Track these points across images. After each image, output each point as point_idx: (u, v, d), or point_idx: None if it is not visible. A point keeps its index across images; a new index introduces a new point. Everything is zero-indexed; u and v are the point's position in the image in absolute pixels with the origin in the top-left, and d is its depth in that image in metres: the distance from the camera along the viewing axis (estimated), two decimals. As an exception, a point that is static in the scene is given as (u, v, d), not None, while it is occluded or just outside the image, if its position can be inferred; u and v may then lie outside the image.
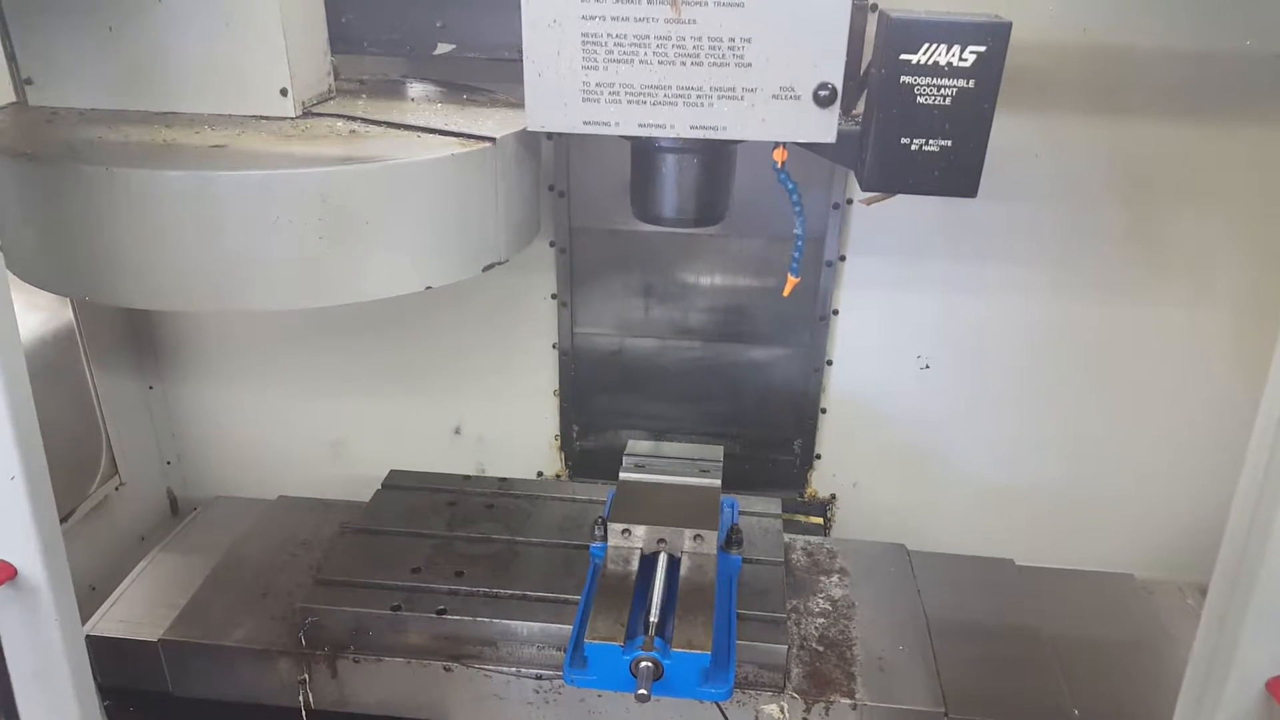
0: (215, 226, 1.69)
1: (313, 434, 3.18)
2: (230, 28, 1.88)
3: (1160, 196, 2.57)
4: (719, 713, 2.24)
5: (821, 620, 2.50)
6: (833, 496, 3.08)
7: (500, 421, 3.11)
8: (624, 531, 2.27)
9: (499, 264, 1.95)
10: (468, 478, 2.91)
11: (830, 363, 2.89)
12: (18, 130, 1.90)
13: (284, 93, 1.93)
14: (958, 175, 1.70)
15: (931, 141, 1.67)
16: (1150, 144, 2.51)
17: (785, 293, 1.86)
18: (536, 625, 2.32)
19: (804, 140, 1.70)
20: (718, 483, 2.48)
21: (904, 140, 1.67)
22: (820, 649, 2.41)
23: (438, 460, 3.05)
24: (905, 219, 2.64)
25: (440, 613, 2.35)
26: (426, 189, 1.79)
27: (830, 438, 3.01)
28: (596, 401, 3.05)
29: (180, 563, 2.76)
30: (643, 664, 1.97)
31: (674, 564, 2.24)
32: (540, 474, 3.15)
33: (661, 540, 2.26)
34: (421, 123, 1.93)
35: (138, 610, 2.57)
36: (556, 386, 3.02)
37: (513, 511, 2.74)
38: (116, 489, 2.99)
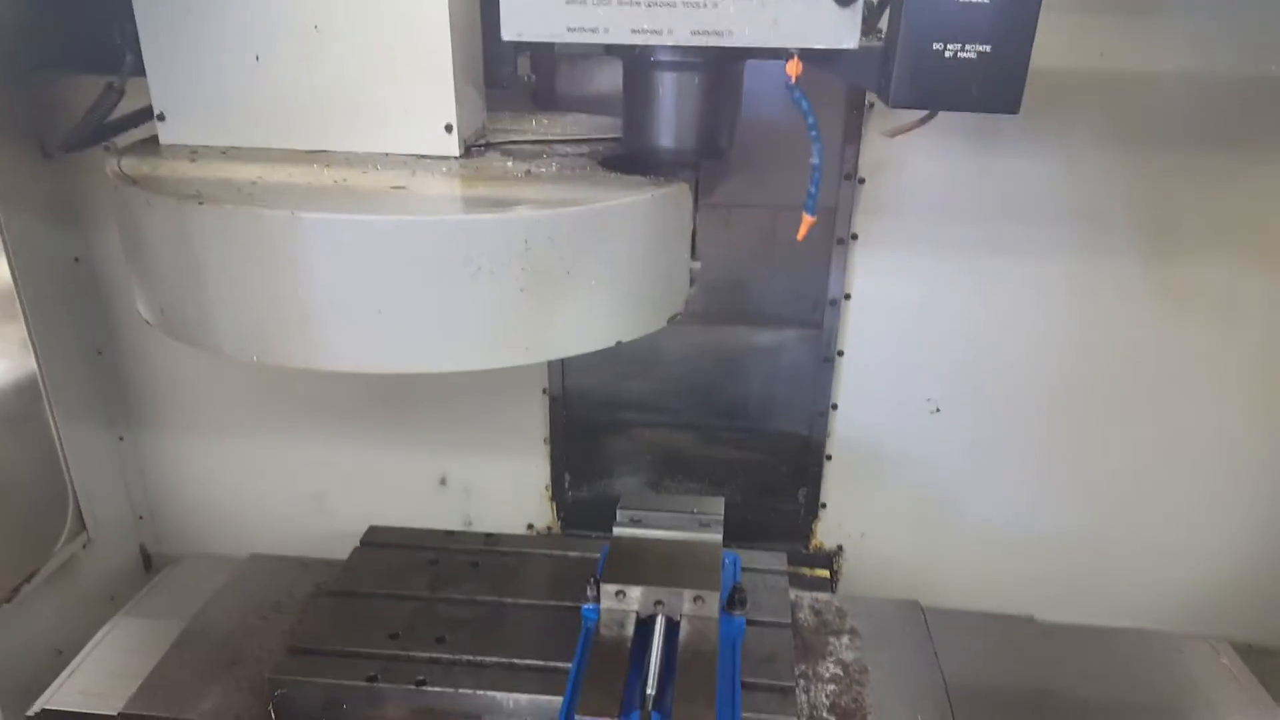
0: (411, 278, 1.42)
1: (292, 486, 2.86)
2: (394, 57, 1.60)
3: (1186, 227, 2.31)
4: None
5: (832, 687, 2.19)
6: (839, 548, 2.75)
7: (488, 471, 2.80)
8: (618, 593, 2.00)
9: (679, 315, 1.69)
10: (451, 533, 2.62)
11: (835, 406, 2.59)
12: (162, 170, 1.62)
13: (449, 129, 1.64)
14: (998, 87, 1.35)
15: (968, 47, 1.33)
16: (1175, 171, 2.25)
17: (800, 235, 1.51)
18: (524, 697, 2.06)
19: (822, 45, 1.37)
20: (719, 538, 2.19)
21: (936, 46, 1.34)
22: (832, 719, 2.10)
23: (423, 513, 2.75)
24: (912, 259, 2.41)
25: (419, 683, 2.07)
26: (628, 233, 1.53)
27: (836, 486, 2.69)
28: (589, 449, 2.75)
29: (147, 627, 2.46)
30: None
31: (673, 628, 1.98)
32: (531, 526, 2.82)
33: (659, 602, 1.99)
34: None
35: (98, 680, 2.29)
36: (547, 434, 2.71)
37: (499, 570, 2.46)
38: (84, 546, 2.65)
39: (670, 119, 1.54)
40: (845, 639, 2.33)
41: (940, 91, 1.37)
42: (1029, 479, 2.60)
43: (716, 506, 2.29)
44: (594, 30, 1.40)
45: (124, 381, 2.78)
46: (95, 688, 2.23)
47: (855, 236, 2.39)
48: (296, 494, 2.85)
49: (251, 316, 1.50)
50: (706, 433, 2.70)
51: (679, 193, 1.58)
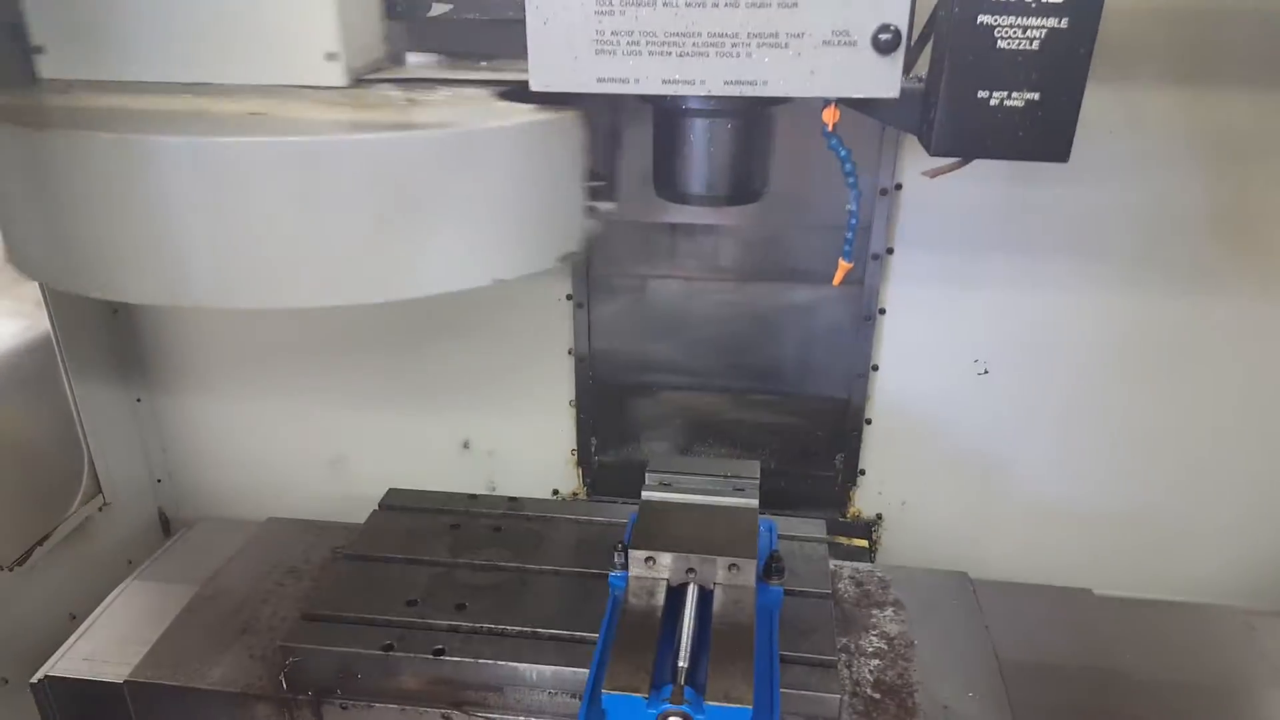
0: (250, 207, 1.41)
1: (312, 449, 2.96)
2: None
3: (1253, 175, 2.29)
4: (757, 773, 1.98)
5: (876, 662, 2.20)
6: (878, 517, 2.82)
7: (512, 435, 2.88)
8: (648, 560, 1.98)
9: (574, 255, 1.67)
10: (474, 497, 2.64)
11: (876, 368, 2.63)
12: (23, 102, 1.63)
13: (332, 57, 1.65)
14: (1046, 135, 1.40)
15: (1015, 94, 1.38)
16: (1241, 115, 2.23)
17: (836, 280, 1.57)
18: (548, 669, 2.06)
19: (862, 95, 1.41)
20: (755, 503, 2.17)
21: (981, 93, 1.38)
22: (876, 696, 2.11)
23: (445, 477, 2.82)
24: (961, 206, 2.40)
25: (437, 653, 2.09)
26: (499, 161, 1.50)
27: (875, 451, 2.75)
28: (617, 413, 2.80)
29: (159, 591, 2.53)
30: (671, 719, 1.69)
31: (705, 598, 1.95)
32: (556, 492, 2.91)
33: (691, 570, 1.96)
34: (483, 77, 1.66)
35: (107, 645, 2.35)
36: (573, 396, 2.78)
37: (523, 535, 2.48)
38: (100, 509, 2.78)
39: (702, 166, 1.58)
40: (889, 611, 2.34)
41: (985, 140, 1.42)
42: (1084, 445, 2.63)
43: (751, 470, 2.29)
44: (624, 81, 1.44)
45: (141, 341, 2.87)
46: (103, 653, 2.31)
47: (900, 186, 2.40)
48: (317, 457, 2.96)
49: (93, 249, 1.49)
50: (739, 396, 2.74)
51: (563, 121, 1.55)
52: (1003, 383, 2.59)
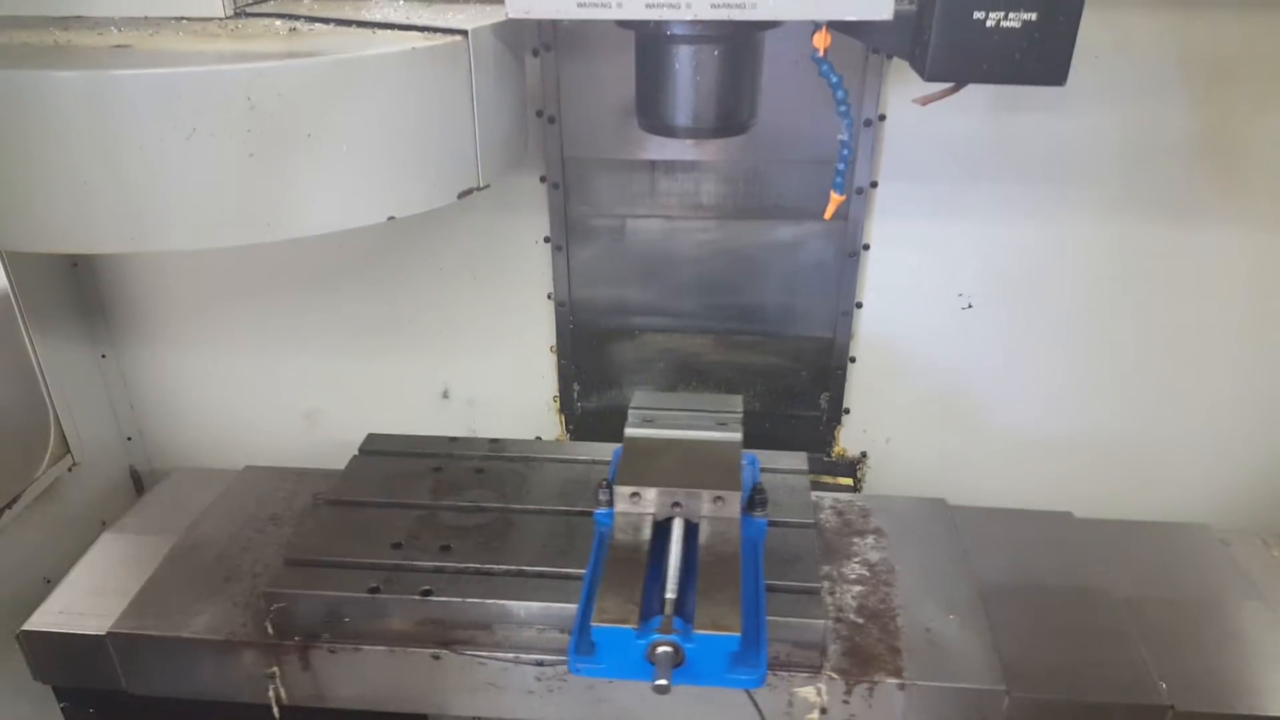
0: (112, 143, 1.35)
1: (287, 401, 2.91)
2: None
3: (1242, 101, 2.26)
4: (748, 699, 1.97)
5: (859, 588, 2.23)
6: (863, 455, 2.81)
7: (492, 383, 2.84)
8: (633, 495, 2.01)
9: (478, 190, 1.62)
10: (454, 439, 2.63)
11: (860, 305, 2.61)
12: None
13: None
14: (1044, 57, 1.37)
15: (1012, 14, 1.35)
16: (1231, 38, 2.20)
17: (827, 214, 1.54)
18: (536, 605, 2.07)
19: (855, 17, 1.37)
20: (738, 436, 2.22)
21: (977, 14, 1.35)
22: (859, 621, 2.14)
23: (425, 427, 2.77)
24: (945, 137, 2.36)
25: (425, 594, 2.09)
26: (383, 92, 1.45)
27: (860, 389, 2.73)
28: (599, 358, 2.77)
29: (136, 544, 2.50)
30: (660, 649, 1.72)
31: (691, 531, 1.99)
32: (539, 439, 2.86)
33: (676, 504, 2.00)
34: (379, 18, 1.59)
35: (83, 599, 2.32)
36: (553, 342, 2.74)
37: (506, 476, 2.47)
38: (70, 469, 2.72)
39: (688, 96, 1.54)
40: (870, 539, 2.38)
41: (981, 63, 1.39)
42: (1066, 376, 2.63)
43: (734, 405, 2.32)
44: (606, 5, 1.40)
45: (104, 295, 2.80)
46: (79, 607, 2.29)
47: (883, 117, 2.36)
48: (292, 409, 2.91)
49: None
50: (722, 337, 2.70)
51: (451, 48, 1.50)
52: (986, 316, 2.58)
